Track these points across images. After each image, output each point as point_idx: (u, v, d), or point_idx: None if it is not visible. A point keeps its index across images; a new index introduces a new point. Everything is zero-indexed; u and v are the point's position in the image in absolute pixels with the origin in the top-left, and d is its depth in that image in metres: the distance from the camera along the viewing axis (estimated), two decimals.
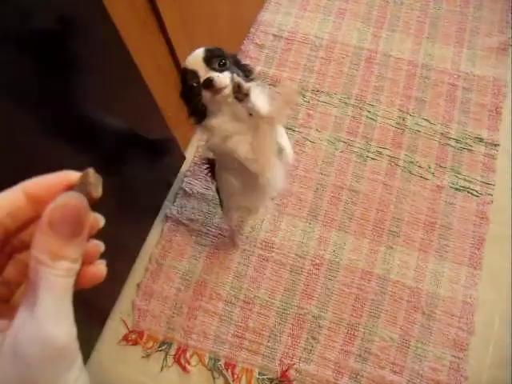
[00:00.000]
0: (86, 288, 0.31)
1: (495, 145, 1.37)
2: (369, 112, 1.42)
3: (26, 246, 0.30)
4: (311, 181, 1.33)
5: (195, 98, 0.75)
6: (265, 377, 1.15)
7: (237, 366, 1.16)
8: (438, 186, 1.32)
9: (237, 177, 0.85)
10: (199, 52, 0.76)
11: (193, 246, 1.28)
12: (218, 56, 0.75)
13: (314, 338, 1.18)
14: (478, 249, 1.26)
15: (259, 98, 0.73)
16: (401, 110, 1.42)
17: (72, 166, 0.30)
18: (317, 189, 1.32)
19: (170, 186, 1.24)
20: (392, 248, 1.26)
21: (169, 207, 1.33)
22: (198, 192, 1.34)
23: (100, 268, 0.32)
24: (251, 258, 1.26)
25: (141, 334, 1.21)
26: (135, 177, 1.08)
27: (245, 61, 0.84)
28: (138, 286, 1.25)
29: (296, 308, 1.21)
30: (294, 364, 1.15)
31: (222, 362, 1.17)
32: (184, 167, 1.33)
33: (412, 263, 1.24)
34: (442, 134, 1.39)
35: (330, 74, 1.47)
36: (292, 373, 1.15)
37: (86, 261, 0.30)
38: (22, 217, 0.29)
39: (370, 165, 1.35)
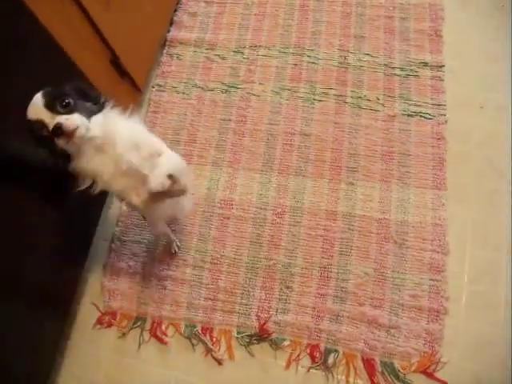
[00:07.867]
0: None
1: (440, 66, 1.35)
2: (309, 57, 1.40)
3: None
4: (261, 132, 1.31)
5: (51, 146, 0.71)
6: (243, 334, 1.12)
7: (214, 329, 1.13)
8: (389, 115, 1.30)
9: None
10: (37, 99, 0.70)
11: None
12: (59, 97, 0.71)
13: (287, 287, 1.14)
14: (440, 170, 1.23)
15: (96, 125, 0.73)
16: (341, 50, 1.40)
17: None
18: (268, 139, 1.30)
19: None
20: (353, 184, 1.23)
21: None
22: None
23: None
24: (212, 218, 1.23)
25: (114, 315, 1.18)
26: None
27: (89, 88, 0.83)
28: (104, 266, 1.22)
29: (265, 260, 1.17)
30: (271, 316, 1.12)
31: (198, 328, 1.14)
32: None
33: (375, 195, 1.21)
34: (385, 65, 1.37)
35: (265, 28, 1.47)
36: (270, 325, 1.11)
37: None
38: None
39: (317, 107, 1.33)
